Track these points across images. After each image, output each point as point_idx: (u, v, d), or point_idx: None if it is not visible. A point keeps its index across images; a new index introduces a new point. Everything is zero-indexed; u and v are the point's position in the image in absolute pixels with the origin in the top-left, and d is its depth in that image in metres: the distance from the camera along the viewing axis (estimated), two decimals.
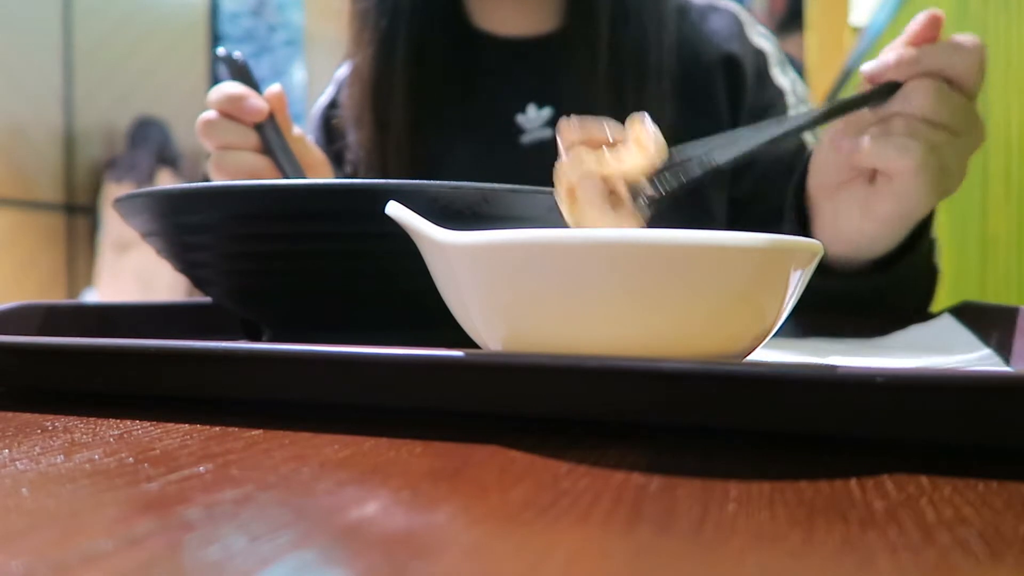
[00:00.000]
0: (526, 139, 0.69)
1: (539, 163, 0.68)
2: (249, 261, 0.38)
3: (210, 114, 0.54)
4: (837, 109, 0.42)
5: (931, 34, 0.44)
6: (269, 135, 0.54)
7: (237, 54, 0.56)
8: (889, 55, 0.44)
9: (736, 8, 0.75)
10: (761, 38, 0.73)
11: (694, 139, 0.53)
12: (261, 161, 0.55)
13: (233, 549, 0.15)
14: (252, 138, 0.54)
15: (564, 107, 0.68)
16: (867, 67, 0.45)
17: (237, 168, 0.54)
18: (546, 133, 0.69)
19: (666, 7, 0.68)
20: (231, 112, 0.54)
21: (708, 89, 0.70)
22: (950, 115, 0.43)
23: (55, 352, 0.31)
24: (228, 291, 0.42)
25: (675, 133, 0.58)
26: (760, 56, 0.72)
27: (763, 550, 0.15)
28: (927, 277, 0.57)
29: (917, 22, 0.44)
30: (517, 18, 0.72)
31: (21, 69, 3.08)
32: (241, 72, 0.55)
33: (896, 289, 0.53)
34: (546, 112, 0.69)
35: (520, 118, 0.69)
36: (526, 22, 0.72)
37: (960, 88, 0.44)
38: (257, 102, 0.54)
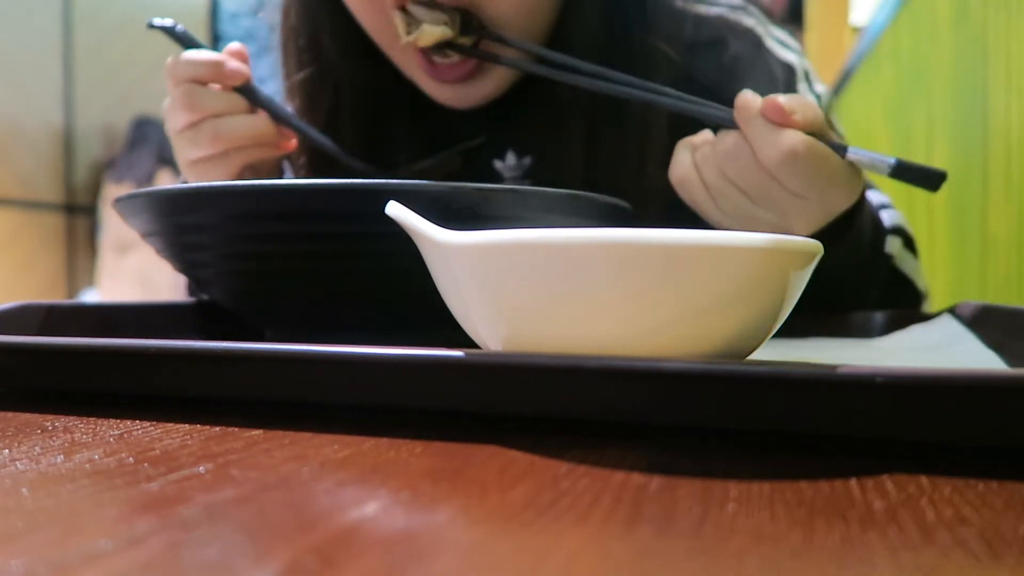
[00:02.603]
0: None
1: None
2: (249, 261, 0.38)
3: (186, 86, 0.51)
4: (697, 105, 0.48)
5: (779, 119, 0.43)
6: (256, 93, 0.52)
7: (169, 21, 0.53)
8: (751, 102, 0.44)
9: (750, 23, 0.66)
10: (783, 48, 0.66)
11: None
12: (261, 120, 0.52)
13: (233, 549, 0.15)
14: (242, 102, 0.52)
15: (541, 157, 0.63)
16: (740, 97, 0.45)
17: (241, 133, 0.51)
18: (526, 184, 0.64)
19: (656, 55, 0.61)
20: (212, 79, 0.51)
21: None
22: (739, 176, 0.45)
23: (55, 352, 0.31)
24: (228, 291, 0.42)
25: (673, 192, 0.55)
26: (788, 71, 0.65)
27: (763, 550, 0.15)
28: (874, 268, 0.55)
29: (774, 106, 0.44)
30: (478, 94, 0.60)
31: (21, 69, 3.08)
32: (187, 41, 0.52)
33: (834, 279, 0.50)
34: (526, 161, 0.64)
35: (498, 164, 0.65)
36: (490, 92, 0.61)
37: (761, 165, 0.44)
38: (237, 64, 0.51)
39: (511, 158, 0.65)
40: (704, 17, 0.67)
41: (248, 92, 0.52)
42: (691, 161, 0.47)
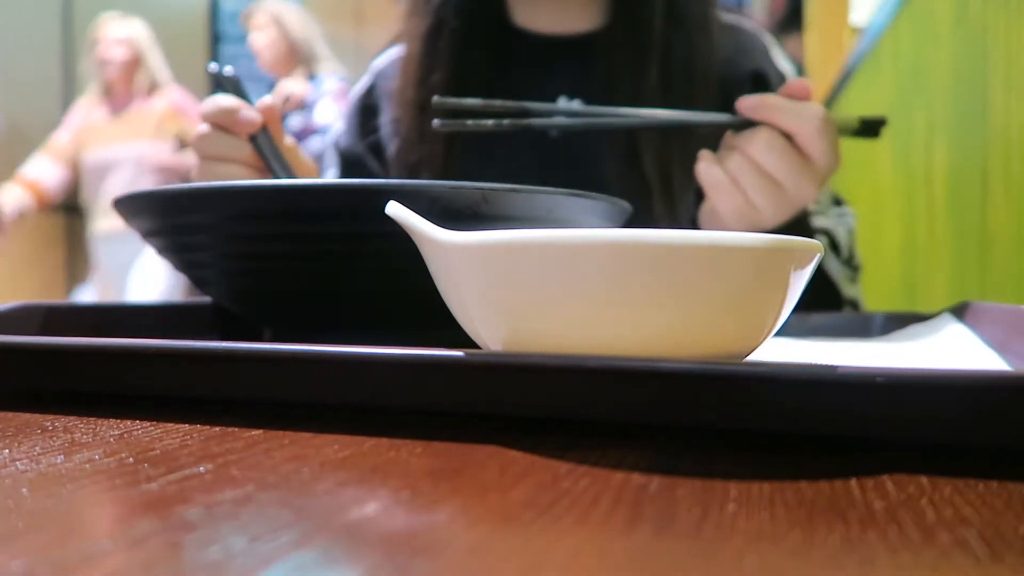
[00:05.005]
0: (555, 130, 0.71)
1: (566, 153, 0.68)
2: (249, 261, 0.38)
3: (203, 127, 0.54)
4: (702, 121, 0.53)
5: (804, 94, 0.51)
6: (263, 145, 0.54)
7: (228, 69, 0.56)
8: (764, 98, 0.51)
9: (759, 29, 0.76)
10: (784, 61, 0.75)
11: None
12: (247, 175, 0.55)
13: (233, 549, 0.15)
14: (245, 150, 0.54)
15: (595, 103, 0.69)
16: (743, 100, 0.51)
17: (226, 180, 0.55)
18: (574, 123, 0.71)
19: (711, 16, 0.70)
20: (224, 124, 0.54)
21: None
22: (776, 166, 0.50)
23: (55, 352, 0.31)
24: (228, 291, 0.42)
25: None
26: (781, 80, 0.73)
27: (763, 550, 0.15)
28: (816, 284, 0.61)
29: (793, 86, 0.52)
30: (558, 16, 0.74)
31: (21, 69, 3.08)
32: (233, 86, 0.56)
33: None
34: (576, 104, 0.70)
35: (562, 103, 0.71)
36: (567, 21, 0.74)
37: (800, 146, 0.50)
38: (250, 114, 0.54)
39: (562, 102, 0.71)
40: (721, 20, 0.76)
41: (258, 143, 0.54)
42: (724, 175, 0.52)
